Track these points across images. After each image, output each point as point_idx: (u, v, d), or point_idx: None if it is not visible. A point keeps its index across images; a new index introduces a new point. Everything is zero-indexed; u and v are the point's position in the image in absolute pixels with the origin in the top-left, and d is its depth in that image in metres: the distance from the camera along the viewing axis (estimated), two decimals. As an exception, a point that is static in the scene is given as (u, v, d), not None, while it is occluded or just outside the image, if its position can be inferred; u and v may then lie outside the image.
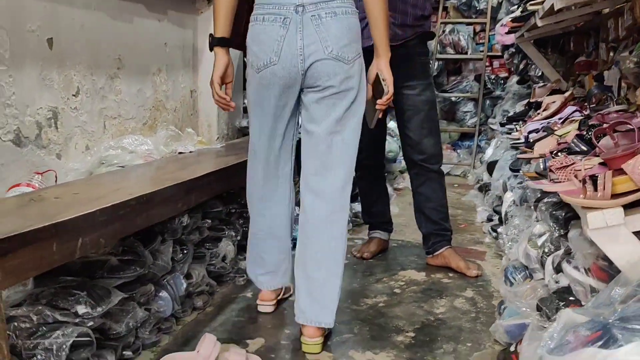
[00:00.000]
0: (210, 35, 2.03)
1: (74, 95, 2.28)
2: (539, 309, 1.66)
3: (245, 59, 2.31)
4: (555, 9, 2.06)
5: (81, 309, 1.64)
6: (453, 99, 6.15)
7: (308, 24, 1.87)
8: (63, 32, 2.19)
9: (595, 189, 1.30)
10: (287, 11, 1.87)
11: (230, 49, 2.07)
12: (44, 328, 1.56)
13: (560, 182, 1.58)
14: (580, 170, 1.48)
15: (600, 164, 1.42)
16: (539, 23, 2.57)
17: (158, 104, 2.90)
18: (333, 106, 1.96)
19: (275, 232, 2.26)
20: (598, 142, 1.54)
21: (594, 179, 1.33)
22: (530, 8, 2.71)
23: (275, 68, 1.91)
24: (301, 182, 2.08)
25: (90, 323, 1.65)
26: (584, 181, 1.37)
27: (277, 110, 2.03)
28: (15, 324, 1.55)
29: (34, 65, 2.06)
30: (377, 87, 2.07)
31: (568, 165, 1.58)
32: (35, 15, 2.04)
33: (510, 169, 2.97)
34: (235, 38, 2.05)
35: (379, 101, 2.07)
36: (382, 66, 2.04)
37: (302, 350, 2.02)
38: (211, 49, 2.03)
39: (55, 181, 2.08)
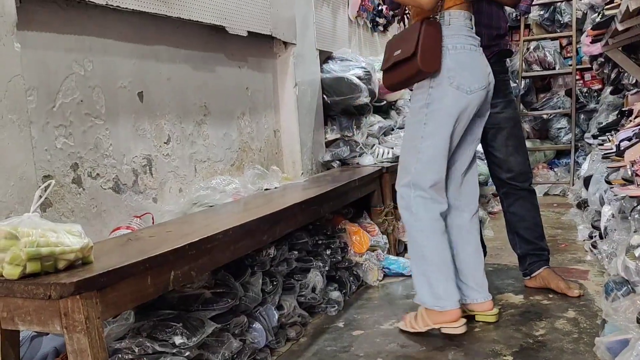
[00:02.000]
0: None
1: (165, 143, 2.45)
2: (638, 321, 1.56)
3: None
4: (631, 9, 1.98)
5: (178, 340, 1.73)
6: (544, 116, 5.95)
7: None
8: (152, 86, 2.38)
9: (681, 188, 1.23)
10: (478, 43, 2.26)
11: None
12: (145, 359, 1.67)
13: (647, 185, 1.50)
14: (667, 170, 1.40)
15: (686, 161, 1.34)
16: (620, 27, 2.47)
17: (244, 145, 3.05)
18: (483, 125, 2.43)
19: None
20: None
21: (679, 177, 1.26)
22: (608, 13, 2.61)
23: (489, 89, 2.28)
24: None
25: (187, 353, 1.74)
26: (669, 180, 1.30)
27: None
28: (120, 355, 1.67)
29: (128, 117, 2.25)
30: None
31: (654, 167, 1.50)
32: (125, 72, 2.24)
33: (606, 181, 2.82)
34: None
35: None
36: None
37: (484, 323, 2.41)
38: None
39: (153, 223, 2.23)
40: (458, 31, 2.19)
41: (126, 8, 2.14)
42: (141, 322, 1.79)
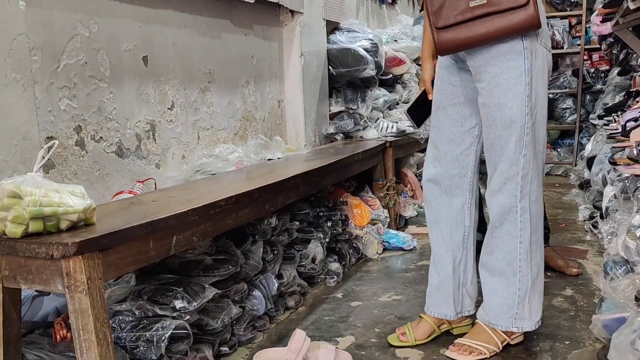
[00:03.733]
0: None
1: (169, 109, 2.44)
2: (637, 299, 1.57)
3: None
4: (645, -14, 1.94)
5: (178, 304, 1.74)
6: (550, 95, 5.90)
7: None
8: (157, 50, 2.36)
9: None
10: None
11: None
12: (145, 321, 1.68)
13: (653, 164, 1.49)
14: (674, 150, 1.39)
15: (694, 141, 1.33)
16: (632, 6, 2.43)
17: (248, 114, 3.03)
18: None
19: None
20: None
21: (686, 156, 1.25)
22: (621, -10, 2.57)
23: None
24: None
25: (187, 317, 1.75)
26: (676, 160, 1.29)
27: None
28: (120, 317, 1.68)
29: (132, 81, 2.23)
30: None
31: (661, 147, 1.49)
32: (131, 35, 2.22)
33: (610, 162, 2.82)
34: None
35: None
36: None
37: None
38: None
39: (155, 188, 2.23)
40: None
41: (132, -31, 2.11)
42: (142, 286, 1.80)
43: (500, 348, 1.94)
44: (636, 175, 1.68)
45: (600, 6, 3.49)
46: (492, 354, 1.92)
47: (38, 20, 1.85)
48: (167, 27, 2.41)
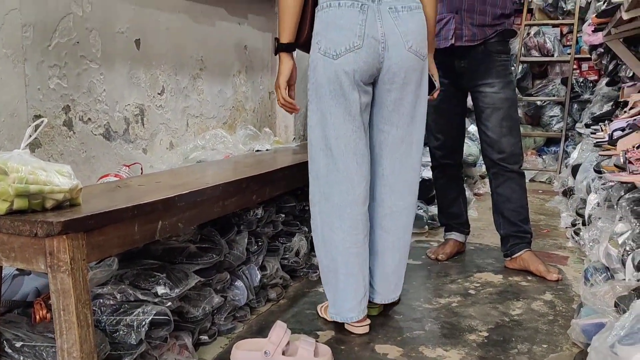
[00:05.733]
0: (276, 39, 1.96)
1: (159, 94, 2.42)
2: (616, 306, 1.59)
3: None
4: (640, -3, 1.97)
5: (160, 290, 1.73)
6: (538, 103, 5.95)
7: (386, 15, 1.87)
8: (149, 34, 2.33)
9: (675, 176, 1.24)
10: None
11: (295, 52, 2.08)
12: (126, 305, 1.66)
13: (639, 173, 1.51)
14: (661, 159, 1.41)
15: (681, 151, 1.35)
16: (625, 16, 2.45)
17: (238, 104, 3.02)
18: (409, 104, 1.99)
19: (364, 241, 2.10)
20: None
21: (673, 166, 1.27)
22: (615, 0, 2.60)
23: (360, 52, 1.83)
24: (376, 178, 2.09)
25: (169, 304, 1.74)
26: (663, 169, 1.31)
27: (360, 98, 1.91)
28: (101, 300, 1.66)
29: (123, 64, 2.20)
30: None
31: (648, 156, 1.51)
32: (124, 17, 2.19)
33: (595, 170, 2.84)
34: (300, 39, 1.98)
35: (429, 97, 2.12)
36: (431, 63, 2.15)
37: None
38: (276, 54, 1.98)
39: (141, 173, 2.21)
40: None
41: (129, -49, 2.08)
42: (124, 270, 1.79)
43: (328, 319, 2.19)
44: (622, 183, 1.70)
45: (594, 15, 3.53)
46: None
47: (31, -4, 1.82)
48: (160, 12, 2.39)
